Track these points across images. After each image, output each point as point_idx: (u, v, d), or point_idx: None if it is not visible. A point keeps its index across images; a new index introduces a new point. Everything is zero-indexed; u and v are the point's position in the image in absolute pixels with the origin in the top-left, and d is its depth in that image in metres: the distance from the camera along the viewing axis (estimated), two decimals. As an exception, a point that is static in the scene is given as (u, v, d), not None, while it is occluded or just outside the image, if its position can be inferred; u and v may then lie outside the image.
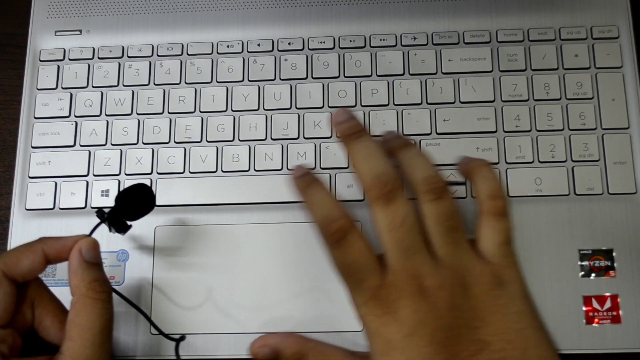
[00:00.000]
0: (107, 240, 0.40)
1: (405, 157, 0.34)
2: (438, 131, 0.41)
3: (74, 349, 0.31)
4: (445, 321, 0.30)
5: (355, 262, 0.32)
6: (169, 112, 0.43)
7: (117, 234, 0.37)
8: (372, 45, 0.43)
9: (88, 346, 0.31)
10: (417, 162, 0.34)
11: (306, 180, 0.34)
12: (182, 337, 0.37)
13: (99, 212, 0.35)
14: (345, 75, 0.43)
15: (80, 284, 0.32)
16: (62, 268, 0.40)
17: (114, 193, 0.42)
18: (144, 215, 0.36)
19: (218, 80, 0.44)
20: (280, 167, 0.41)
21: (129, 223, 0.36)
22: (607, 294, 0.38)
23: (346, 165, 0.41)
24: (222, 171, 0.42)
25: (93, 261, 0.33)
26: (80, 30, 0.45)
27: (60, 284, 0.40)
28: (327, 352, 0.36)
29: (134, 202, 0.36)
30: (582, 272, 0.39)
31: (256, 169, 0.42)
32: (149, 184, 0.38)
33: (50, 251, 0.33)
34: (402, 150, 0.34)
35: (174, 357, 0.37)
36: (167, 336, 0.37)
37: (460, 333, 0.30)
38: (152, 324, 0.37)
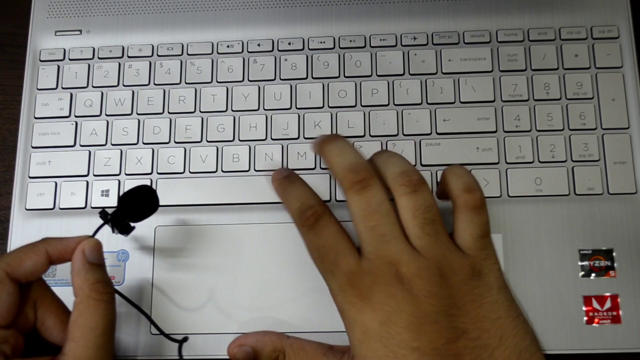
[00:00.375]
0: (108, 240, 0.40)
1: (379, 158, 0.34)
2: (438, 131, 0.41)
3: (77, 349, 0.31)
4: (422, 308, 0.30)
5: (328, 244, 0.32)
6: (169, 112, 0.43)
7: (117, 234, 0.37)
8: (372, 45, 0.43)
9: (90, 347, 0.31)
10: (391, 160, 0.34)
11: (288, 180, 0.35)
12: (185, 339, 0.37)
13: (103, 212, 0.35)
14: (346, 75, 0.43)
15: (83, 285, 0.32)
16: (62, 268, 0.40)
17: (114, 193, 0.42)
18: (148, 216, 0.36)
19: (218, 80, 0.43)
20: (280, 168, 0.41)
21: (132, 224, 0.36)
22: (607, 294, 0.38)
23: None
24: (222, 171, 0.42)
25: (96, 262, 0.33)
26: (80, 30, 0.45)
27: (61, 284, 0.40)
28: (305, 348, 0.36)
29: (138, 203, 0.36)
30: (582, 272, 0.39)
31: (256, 169, 0.42)
32: (150, 185, 0.38)
33: (54, 252, 0.33)
34: (375, 154, 0.35)
35: (176, 358, 0.37)
36: (170, 338, 0.37)
37: (437, 320, 0.31)
38: (155, 326, 0.37)
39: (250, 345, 0.36)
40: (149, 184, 0.41)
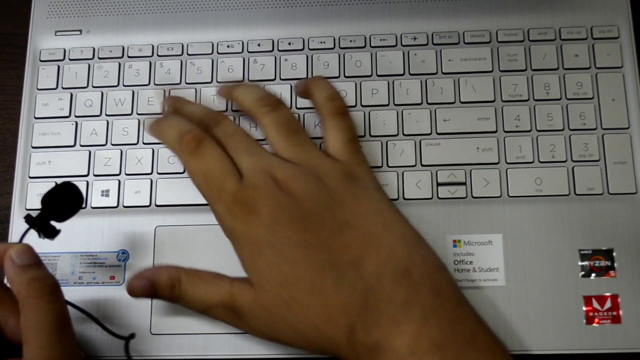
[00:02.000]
0: (107, 240, 0.40)
1: (236, 91, 0.38)
2: (438, 131, 0.41)
3: (32, 351, 0.31)
4: (303, 206, 0.32)
5: (214, 167, 0.33)
6: (169, 112, 0.43)
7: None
8: (372, 45, 0.43)
9: (45, 347, 0.31)
10: (248, 89, 0.37)
11: (162, 117, 0.37)
12: (132, 335, 0.37)
13: (27, 217, 0.35)
14: (346, 75, 0.43)
15: (19, 288, 0.31)
16: (62, 268, 0.40)
17: (114, 193, 0.42)
18: (74, 214, 0.36)
19: (218, 80, 0.43)
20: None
21: (57, 228, 0.36)
22: (607, 294, 0.38)
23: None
24: (223, 171, 0.42)
25: (28, 264, 0.32)
26: (80, 30, 0.45)
27: (61, 284, 0.40)
28: (200, 274, 0.35)
29: (61, 202, 0.35)
30: (582, 272, 0.39)
31: (256, 169, 0.41)
32: (70, 181, 0.37)
33: None
34: (232, 89, 0.38)
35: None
36: (117, 335, 0.37)
37: (318, 213, 0.32)
38: (101, 325, 0.37)
39: (147, 278, 0.34)
40: (147, 183, 0.41)
